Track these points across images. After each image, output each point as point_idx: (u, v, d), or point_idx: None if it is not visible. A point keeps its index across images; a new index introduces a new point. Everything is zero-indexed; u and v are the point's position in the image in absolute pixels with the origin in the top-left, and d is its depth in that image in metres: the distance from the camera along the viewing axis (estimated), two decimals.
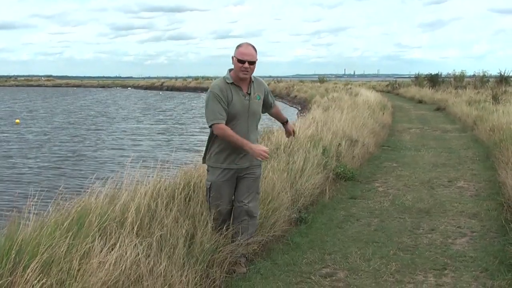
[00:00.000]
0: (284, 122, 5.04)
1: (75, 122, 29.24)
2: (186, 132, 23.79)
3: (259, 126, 4.75)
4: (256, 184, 4.58)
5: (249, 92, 4.37)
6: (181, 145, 18.52)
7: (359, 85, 45.68)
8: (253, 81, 4.42)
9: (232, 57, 4.31)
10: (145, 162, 5.30)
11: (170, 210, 4.25)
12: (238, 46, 4.31)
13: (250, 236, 4.60)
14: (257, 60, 4.32)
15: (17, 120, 28.51)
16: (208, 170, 4.53)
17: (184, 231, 4.04)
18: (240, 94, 4.33)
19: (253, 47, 4.34)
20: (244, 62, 4.23)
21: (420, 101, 30.35)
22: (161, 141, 20.38)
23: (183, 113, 35.89)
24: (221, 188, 4.42)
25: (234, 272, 4.37)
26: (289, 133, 5.06)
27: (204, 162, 4.57)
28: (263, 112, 4.68)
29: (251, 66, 4.27)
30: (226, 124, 4.27)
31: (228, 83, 4.32)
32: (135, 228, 3.79)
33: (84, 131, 24.57)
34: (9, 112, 36.21)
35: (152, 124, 27.73)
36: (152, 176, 4.71)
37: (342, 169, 8.07)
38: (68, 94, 70.71)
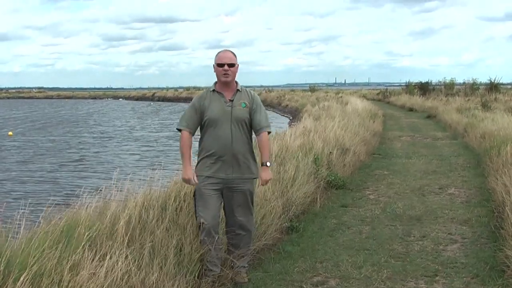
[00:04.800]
0: (262, 163, 4.43)
1: (73, 132, 29.19)
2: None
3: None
4: (245, 200, 4.38)
5: (232, 99, 4.33)
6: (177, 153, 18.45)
7: (350, 93, 45.97)
8: (240, 90, 4.38)
9: (213, 66, 4.36)
10: (140, 170, 5.27)
11: (161, 221, 4.23)
12: (217, 54, 4.39)
13: (247, 249, 4.52)
14: (237, 63, 4.33)
15: (10, 133, 27.99)
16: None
17: (174, 241, 4.03)
18: (222, 101, 4.32)
19: (231, 52, 4.38)
20: (223, 65, 4.27)
21: (410, 109, 30.55)
22: (158, 148, 20.35)
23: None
24: (205, 196, 4.26)
25: (236, 283, 4.35)
26: (263, 181, 4.45)
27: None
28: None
29: (231, 69, 4.29)
30: (207, 129, 4.32)
31: (210, 91, 4.40)
32: (126, 239, 3.78)
33: (84, 139, 24.65)
34: (2, 124, 35.96)
35: (149, 132, 27.70)
36: (141, 188, 4.69)
37: (333, 177, 8.09)
38: (62, 106, 70.47)
